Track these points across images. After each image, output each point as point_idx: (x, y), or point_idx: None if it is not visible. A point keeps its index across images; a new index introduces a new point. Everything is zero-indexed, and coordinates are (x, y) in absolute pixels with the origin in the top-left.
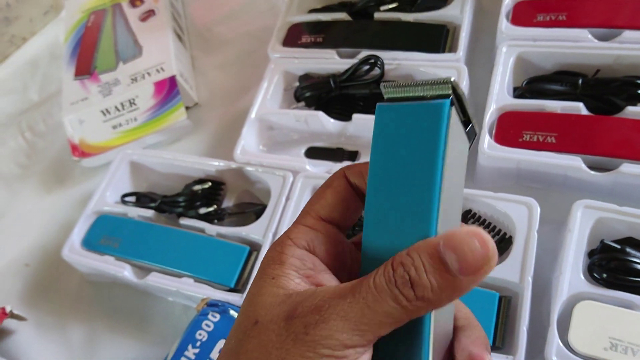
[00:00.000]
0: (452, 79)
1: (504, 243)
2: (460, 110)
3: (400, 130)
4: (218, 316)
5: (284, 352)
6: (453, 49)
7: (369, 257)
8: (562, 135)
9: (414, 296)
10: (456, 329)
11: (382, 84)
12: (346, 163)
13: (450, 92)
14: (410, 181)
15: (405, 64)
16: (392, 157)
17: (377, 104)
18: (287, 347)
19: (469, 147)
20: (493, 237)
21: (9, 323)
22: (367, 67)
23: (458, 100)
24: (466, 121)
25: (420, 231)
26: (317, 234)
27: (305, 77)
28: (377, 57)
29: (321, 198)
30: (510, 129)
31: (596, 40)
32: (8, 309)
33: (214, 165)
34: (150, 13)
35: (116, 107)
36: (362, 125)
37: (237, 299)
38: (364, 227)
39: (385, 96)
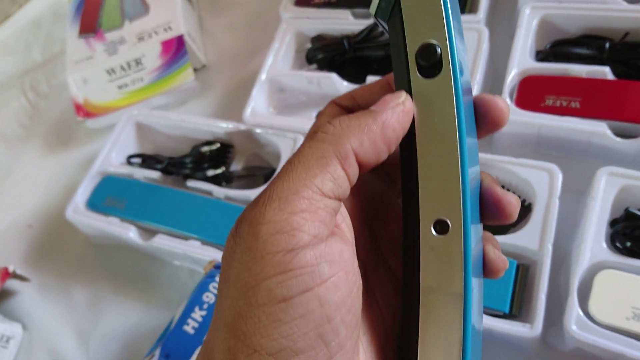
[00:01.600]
0: None
1: (523, 210)
2: None
3: None
4: None
5: (242, 261)
6: (473, 9)
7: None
8: (587, 100)
9: (329, 124)
10: None
11: None
12: None
13: None
14: None
15: None
16: None
17: None
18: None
19: None
20: None
21: (12, 283)
22: None
23: None
24: None
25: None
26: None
27: (318, 39)
28: None
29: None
30: (532, 94)
31: (625, 3)
32: (11, 269)
33: (222, 127)
34: None
35: (122, 67)
36: None
37: None
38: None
39: None
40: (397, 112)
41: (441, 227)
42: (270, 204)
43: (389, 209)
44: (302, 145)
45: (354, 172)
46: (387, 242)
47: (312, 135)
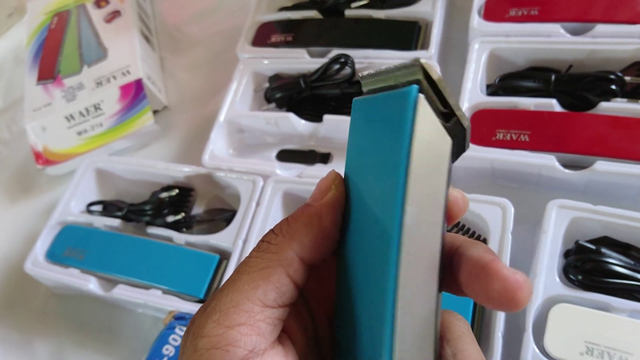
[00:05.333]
0: (423, 61)
1: None
2: (436, 98)
3: (369, 127)
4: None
5: None
6: (425, 46)
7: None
8: (536, 133)
9: (272, 233)
10: (454, 254)
11: (360, 74)
12: (319, 165)
13: (420, 76)
14: (377, 195)
15: (376, 62)
16: (362, 160)
17: (354, 98)
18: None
19: (453, 147)
20: None
21: None
22: (337, 66)
23: (432, 86)
24: (446, 114)
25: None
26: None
27: (275, 78)
28: (347, 57)
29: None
30: (484, 128)
31: (568, 35)
32: None
33: (182, 171)
34: (115, 14)
35: (81, 113)
36: (334, 126)
37: None
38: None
39: (364, 88)
40: (330, 200)
41: None
42: (211, 316)
43: None
44: (250, 254)
45: (301, 276)
46: None
47: (259, 244)
